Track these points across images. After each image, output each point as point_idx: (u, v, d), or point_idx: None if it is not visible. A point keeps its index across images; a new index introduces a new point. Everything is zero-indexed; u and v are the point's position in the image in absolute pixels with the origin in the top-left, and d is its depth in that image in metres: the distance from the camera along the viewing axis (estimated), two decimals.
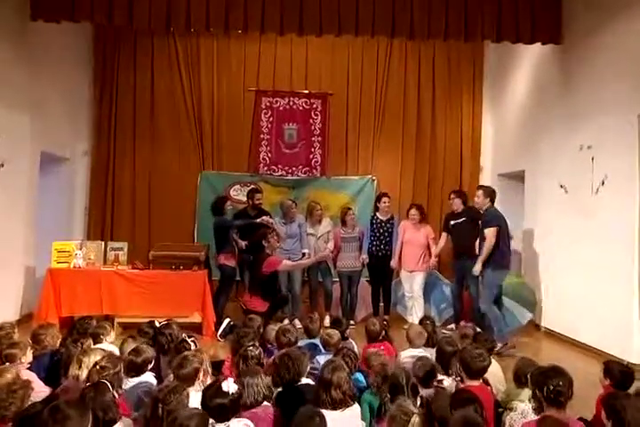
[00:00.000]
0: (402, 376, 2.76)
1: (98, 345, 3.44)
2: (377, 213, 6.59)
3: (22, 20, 5.66)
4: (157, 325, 3.88)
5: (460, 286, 6.19)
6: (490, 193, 5.59)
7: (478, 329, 4.85)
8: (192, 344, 3.59)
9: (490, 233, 5.35)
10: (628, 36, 5.07)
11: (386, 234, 6.44)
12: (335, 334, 3.72)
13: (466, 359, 2.87)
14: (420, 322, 4.36)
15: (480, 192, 5.63)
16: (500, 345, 4.97)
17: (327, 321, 6.14)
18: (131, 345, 3.35)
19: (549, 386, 2.46)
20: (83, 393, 2.38)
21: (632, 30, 5.02)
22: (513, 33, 5.93)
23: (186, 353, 2.91)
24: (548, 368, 2.62)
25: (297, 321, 6.01)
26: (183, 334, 3.77)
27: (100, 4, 5.55)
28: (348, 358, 3.22)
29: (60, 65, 6.76)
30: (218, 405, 2.33)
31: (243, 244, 6.14)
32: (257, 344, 3.38)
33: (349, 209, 6.63)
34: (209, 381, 2.86)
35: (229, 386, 2.38)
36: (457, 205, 6.22)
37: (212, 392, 2.38)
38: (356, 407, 2.70)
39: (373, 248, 6.42)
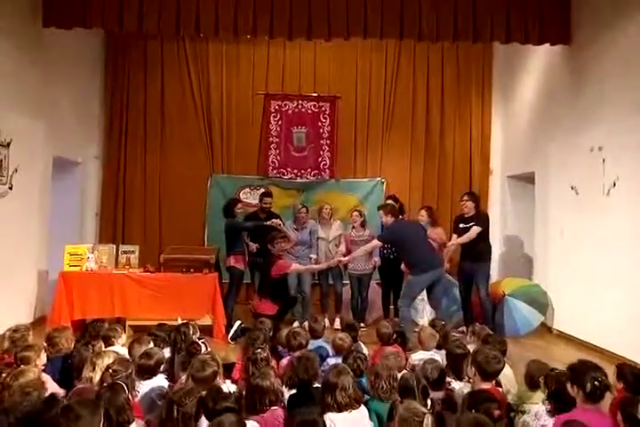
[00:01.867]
0: (412, 379, 2.75)
1: (109, 348, 3.48)
2: None
3: (35, 27, 5.73)
4: (179, 322, 3.97)
5: (468, 289, 6.15)
6: (390, 210, 5.70)
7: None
8: (202, 346, 3.62)
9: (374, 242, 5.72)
10: (638, 36, 5.04)
11: None
12: (347, 337, 3.72)
13: (481, 361, 2.84)
14: (432, 324, 4.35)
15: (381, 212, 5.74)
16: None
17: (337, 324, 6.16)
18: (139, 348, 3.37)
19: (592, 380, 2.45)
20: (98, 394, 2.41)
21: None
22: (522, 34, 5.92)
23: (205, 356, 2.91)
24: (583, 363, 2.61)
25: (307, 324, 6.01)
26: (194, 336, 3.81)
27: (111, 11, 5.61)
28: (359, 361, 3.23)
29: (72, 71, 6.84)
30: (225, 408, 2.34)
31: (254, 246, 6.16)
32: (266, 347, 3.40)
33: (354, 211, 6.60)
34: (222, 383, 2.88)
35: (228, 387, 2.40)
36: (469, 208, 6.11)
37: (214, 397, 2.38)
38: (363, 409, 2.70)
39: (385, 251, 6.38)
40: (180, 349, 3.60)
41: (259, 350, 3.17)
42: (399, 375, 2.89)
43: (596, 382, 2.44)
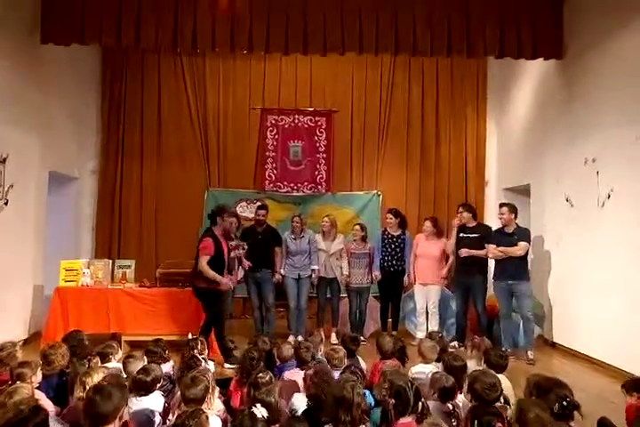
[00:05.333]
0: (409, 391, 2.69)
1: (106, 364, 3.44)
2: (387, 228, 6.55)
3: (33, 42, 5.78)
4: (190, 337, 4.06)
5: (465, 302, 6.12)
6: (516, 210, 5.79)
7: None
8: (202, 361, 3.59)
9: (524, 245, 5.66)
10: (630, 48, 5.11)
11: (397, 249, 6.37)
12: (340, 349, 3.69)
13: (477, 390, 2.69)
14: (429, 337, 4.32)
15: (505, 209, 5.78)
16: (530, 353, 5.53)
17: (334, 338, 6.12)
18: (135, 364, 3.34)
19: (559, 400, 2.36)
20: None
21: (634, 43, 5.06)
22: (515, 49, 6.00)
23: (195, 373, 2.85)
24: (549, 382, 2.52)
25: (300, 337, 5.97)
26: (193, 351, 3.78)
27: (109, 26, 5.67)
28: (356, 375, 3.19)
29: (69, 86, 6.88)
30: None
31: (247, 264, 6.06)
32: (262, 366, 3.35)
33: (356, 225, 6.58)
34: (216, 398, 2.85)
35: (260, 411, 2.39)
36: (466, 218, 6.12)
37: (246, 421, 2.36)
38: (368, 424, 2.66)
39: (385, 264, 6.36)
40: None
41: (261, 374, 3.06)
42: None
43: (564, 402, 2.33)
